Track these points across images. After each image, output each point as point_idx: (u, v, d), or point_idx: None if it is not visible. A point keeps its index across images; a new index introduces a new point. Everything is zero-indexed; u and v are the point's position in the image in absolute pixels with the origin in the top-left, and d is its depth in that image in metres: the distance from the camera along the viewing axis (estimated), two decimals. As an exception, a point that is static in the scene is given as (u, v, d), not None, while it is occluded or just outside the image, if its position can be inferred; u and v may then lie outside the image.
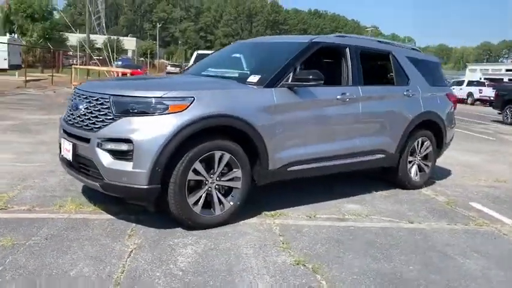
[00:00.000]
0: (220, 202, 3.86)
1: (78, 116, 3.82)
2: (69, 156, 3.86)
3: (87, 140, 3.63)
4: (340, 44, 4.90)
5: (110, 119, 3.56)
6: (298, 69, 4.28)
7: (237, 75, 4.75)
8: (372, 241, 3.79)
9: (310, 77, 4.18)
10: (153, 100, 3.52)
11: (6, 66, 27.08)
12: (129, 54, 64.31)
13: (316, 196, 4.95)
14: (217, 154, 3.75)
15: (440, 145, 5.94)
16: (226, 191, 3.95)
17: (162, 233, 3.65)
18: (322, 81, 4.26)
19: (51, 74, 22.47)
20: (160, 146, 3.41)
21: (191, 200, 3.66)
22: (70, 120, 3.96)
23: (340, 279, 3.04)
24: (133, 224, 3.79)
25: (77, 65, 31.56)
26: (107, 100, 3.61)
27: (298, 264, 3.22)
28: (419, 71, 5.71)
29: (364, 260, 3.38)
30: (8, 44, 27.61)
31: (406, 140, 5.37)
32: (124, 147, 3.45)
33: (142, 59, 57.92)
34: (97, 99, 3.69)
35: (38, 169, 5.39)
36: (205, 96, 3.71)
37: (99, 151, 3.54)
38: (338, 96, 4.59)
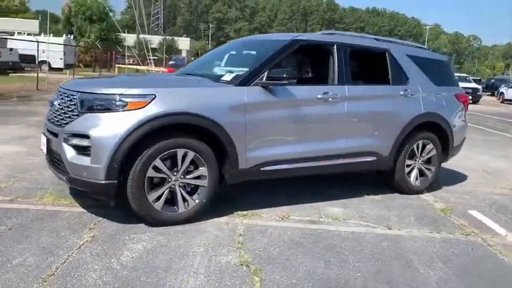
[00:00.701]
0: (184, 200, 3.88)
1: (53, 112, 3.99)
2: (44, 150, 4.04)
3: (56, 135, 3.78)
4: (326, 42, 4.76)
5: (76, 115, 3.68)
6: (273, 68, 4.20)
7: (216, 73, 4.75)
8: (334, 245, 3.65)
9: (284, 75, 4.10)
10: (113, 97, 3.60)
11: (62, 65, 28.69)
12: (184, 54, 65.95)
13: (301, 197, 4.85)
14: (180, 152, 3.76)
15: (446, 149, 5.60)
16: (193, 189, 3.96)
17: (123, 227, 3.72)
18: (295, 80, 4.18)
19: (99, 73, 23.55)
20: (117, 142, 3.48)
21: (152, 197, 3.70)
22: (49, 116, 4.13)
23: (276, 283, 2.96)
24: (100, 218, 3.89)
25: (132, 64, 32.94)
26: (74, 97, 3.74)
27: (241, 265, 3.17)
28: (423, 70, 5.42)
29: (314, 264, 3.27)
30: (64, 44, 29.28)
31: (402, 142, 5.12)
32: (84, 142, 3.55)
33: (192, 58, 59.27)
34: (68, 96, 3.83)
35: (42, 163, 5.66)
36: (167, 94, 3.73)
37: (64, 146, 3.67)
38: (319, 96, 4.46)
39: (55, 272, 2.88)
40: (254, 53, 4.74)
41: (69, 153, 3.63)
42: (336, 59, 4.69)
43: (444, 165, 6.03)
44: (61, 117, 3.82)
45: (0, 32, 32.77)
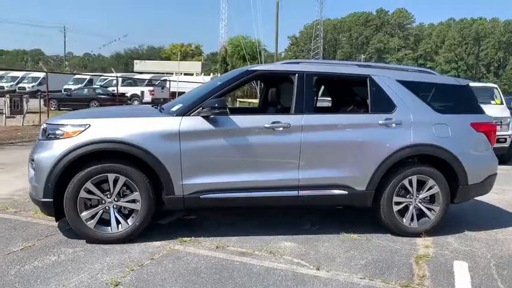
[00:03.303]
0: (118, 221, 4.21)
1: None
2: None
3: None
4: (286, 71, 4.66)
5: (39, 141, 4.37)
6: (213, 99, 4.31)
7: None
8: (228, 280, 3.54)
9: (215, 105, 4.19)
10: (57, 127, 4.19)
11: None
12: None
13: (264, 228, 4.74)
14: (111, 176, 4.13)
15: (456, 187, 4.80)
16: (130, 212, 4.27)
17: (65, 241, 4.22)
18: (225, 109, 4.22)
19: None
20: (50, 165, 4.03)
21: (84, 216, 4.13)
22: None
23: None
24: (56, 231, 4.47)
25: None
26: (43, 127, 4.45)
27: (107, 284, 3.35)
28: (422, 97, 4.82)
29: (178, 294, 3.26)
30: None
31: (385, 176, 4.60)
32: (34, 165, 4.20)
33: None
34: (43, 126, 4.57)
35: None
36: (100, 124, 4.18)
37: (29, 167, 4.38)
38: (266, 125, 4.37)
39: (-37, 271, 3.49)
40: (218, 82, 4.88)
41: (30, 174, 4.32)
42: (295, 88, 4.55)
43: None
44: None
45: (165, 73, 38.03)
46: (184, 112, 4.32)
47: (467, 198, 5.00)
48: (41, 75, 31.38)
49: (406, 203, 4.73)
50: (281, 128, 4.40)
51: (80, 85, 30.34)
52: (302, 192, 4.47)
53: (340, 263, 3.98)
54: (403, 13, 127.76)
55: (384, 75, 4.82)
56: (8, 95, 13.92)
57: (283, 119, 4.45)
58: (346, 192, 4.56)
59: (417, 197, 4.73)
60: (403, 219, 4.72)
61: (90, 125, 4.13)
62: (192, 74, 37.80)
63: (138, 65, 58.07)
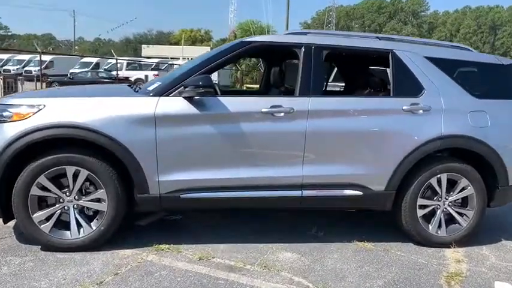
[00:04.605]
0: (79, 224, 3.43)
1: None
2: None
3: None
4: (289, 44, 3.79)
5: None
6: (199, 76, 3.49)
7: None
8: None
9: (200, 83, 3.37)
10: (3, 108, 3.39)
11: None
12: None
13: (263, 235, 3.94)
14: (70, 170, 3.34)
15: (493, 187, 3.95)
16: (95, 213, 3.48)
17: (16, 246, 3.47)
18: (212, 89, 3.40)
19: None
20: (-6, 155, 3.24)
21: (37, 217, 3.35)
22: None
23: None
24: (9, 233, 3.71)
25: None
26: None
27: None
28: (455, 78, 3.94)
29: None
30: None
31: (408, 174, 3.76)
32: None
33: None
34: None
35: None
36: (58, 104, 3.38)
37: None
38: (264, 110, 3.54)
39: None
40: (200, 59, 4.03)
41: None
42: (300, 65, 3.70)
43: None
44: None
45: (171, 58, 37.10)
46: (162, 92, 3.50)
47: (507, 201, 4.14)
48: (47, 58, 30.70)
49: (433, 207, 3.89)
50: (282, 114, 3.57)
51: (86, 69, 29.63)
52: (306, 192, 3.65)
53: (352, 283, 3.17)
54: (417, 0, 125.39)
55: (409, 50, 3.93)
56: (1, 77, 13.18)
57: (285, 102, 3.61)
58: (360, 192, 3.72)
59: (446, 199, 3.89)
60: (428, 225, 3.88)
61: (44, 106, 3.33)
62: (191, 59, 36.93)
63: (147, 50, 57.04)
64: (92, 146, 3.35)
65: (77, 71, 28.82)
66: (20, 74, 25.62)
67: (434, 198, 3.89)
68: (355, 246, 3.84)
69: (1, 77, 13.10)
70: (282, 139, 3.59)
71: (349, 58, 4.55)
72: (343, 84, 5.57)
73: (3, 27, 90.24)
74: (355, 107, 3.74)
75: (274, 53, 4.50)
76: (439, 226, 3.91)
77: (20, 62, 35.96)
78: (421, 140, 3.73)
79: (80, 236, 3.42)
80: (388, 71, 4.09)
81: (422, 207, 3.86)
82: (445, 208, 3.90)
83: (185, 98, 3.44)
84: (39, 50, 14.20)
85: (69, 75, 26.32)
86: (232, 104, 3.53)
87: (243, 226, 4.15)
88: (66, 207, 3.41)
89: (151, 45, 61.65)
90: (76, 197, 3.41)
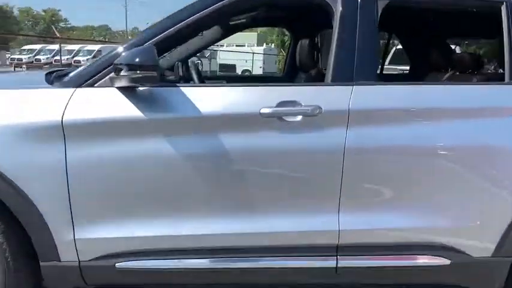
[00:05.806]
0: None
1: None
2: None
3: None
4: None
5: None
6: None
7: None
8: None
9: (136, 60, 1.78)
10: None
11: (261, 72, 29.37)
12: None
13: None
14: None
15: None
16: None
17: None
18: (155, 72, 1.79)
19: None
20: None
21: None
22: None
23: None
24: None
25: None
26: None
27: None
28: None
29: None
30: (264, 54, 29.87)
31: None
32: None
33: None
34: None
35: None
36: None
37: None
38: (264, 110, 1.89)
39: None
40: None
41: None
42: (336, 29, 2.02)
43: None
44: None
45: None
46: (82, 79, 1.94)
47: None
48: (96, 47, 30.04)
49: None
50: (299, 118, 1.91)
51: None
52: (344, 261, 1.98)
53: None
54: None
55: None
56: (24, 66, 12.33)
57: (305, 95, 1.96)
58: (447, 260, 2.00)
59: None
60: None
61: None
62: (244, 45, 35.17)
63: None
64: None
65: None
66: (31, 62, 25.45)
67: None
68: None
69: (24, 66, 12.25)
70: (298, 164, 1.94)
71: (421, 21, 2.78)
72: (407, 67, 3.79)
73: (63, 19, 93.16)
74: (444, 103, 2.01)
75: (296, 13, 2.82)
76: None
77: (90, 52, 35.41)
78: None
79: None
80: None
81: None
82: None
83: (119, 89, 1.87)
84: (57, 34, 13.22)
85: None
86: (207, 99, 1.93)
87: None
88: None
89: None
90: None
